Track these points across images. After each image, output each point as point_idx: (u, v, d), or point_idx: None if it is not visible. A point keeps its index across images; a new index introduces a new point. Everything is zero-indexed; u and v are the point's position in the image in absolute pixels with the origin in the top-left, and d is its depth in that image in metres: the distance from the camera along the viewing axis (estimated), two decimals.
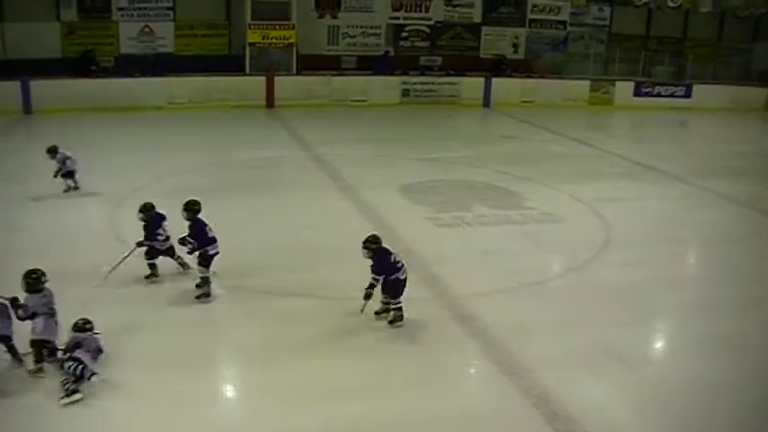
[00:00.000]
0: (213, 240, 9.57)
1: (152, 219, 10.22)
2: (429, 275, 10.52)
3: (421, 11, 29.94)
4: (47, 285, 7.66)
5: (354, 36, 29.29)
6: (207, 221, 9.64)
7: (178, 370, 7.76)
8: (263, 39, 26.42)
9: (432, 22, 30.19)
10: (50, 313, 7.62)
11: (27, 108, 23.72)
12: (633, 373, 8.15)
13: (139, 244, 10.02)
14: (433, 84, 27.39)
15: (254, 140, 20.19)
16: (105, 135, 20.44)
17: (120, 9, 26.89)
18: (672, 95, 29.32)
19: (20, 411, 6.98)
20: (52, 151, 14.27)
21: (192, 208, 9.62)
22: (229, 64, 26.53)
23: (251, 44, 26.46)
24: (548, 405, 7.32)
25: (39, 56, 25.72)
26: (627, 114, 28.50)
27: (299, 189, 15.07)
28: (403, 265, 8.97)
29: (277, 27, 26.51)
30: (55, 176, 14.19)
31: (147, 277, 10.03)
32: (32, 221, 12.49)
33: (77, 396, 7.05)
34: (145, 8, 27.13)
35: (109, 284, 9.66)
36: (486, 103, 27.30)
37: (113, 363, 7.72)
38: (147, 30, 27.29)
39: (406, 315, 8.90)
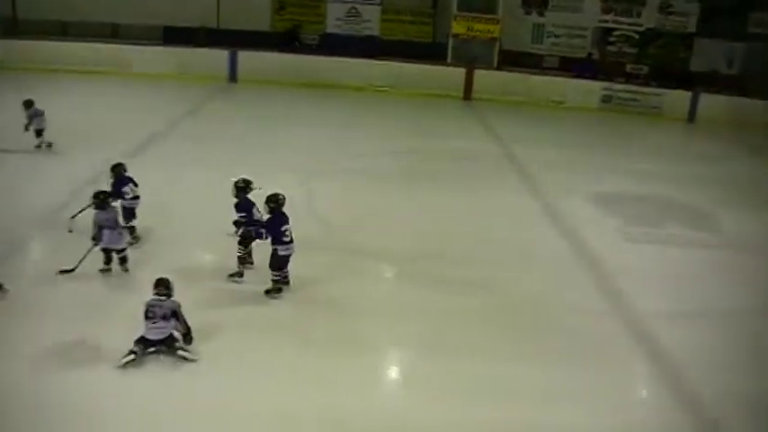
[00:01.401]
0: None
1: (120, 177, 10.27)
2: (610, 288, 10.38)
3: (632, 15, 29.17)
4: None
5: (559, 36, 29.03)
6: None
7: (349, 355, 8.05)
8: (468, 30, 26.71)
9: (642, 28, 29.35)
10: (114, 226, 9.17)
11: (233, 76, 25.32)
12: None
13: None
14: (636, 93, 26.53)
15: (449, 131, 20.55)
16: (301, 110, 21.50)
17: None
18: None
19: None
20: (28, 105, 14.85)
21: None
22: (431, 52, 27.03)
23: (455, 35, 26.81)
24: None
25: (249, 28, 27.37)
26: None
27: (488, 184, 15.23)
28: (291, 241, 8.93)
29: (482, 20, 26.71)
30: (25, 130, 14.69)
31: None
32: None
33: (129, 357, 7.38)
34: None
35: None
36: (692, 118, 26.11)
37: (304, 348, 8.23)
38: (354, 11, 28.26)
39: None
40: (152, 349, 7.55)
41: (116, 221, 9.37)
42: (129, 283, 9.20)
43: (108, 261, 9.44)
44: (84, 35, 27.14)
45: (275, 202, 8.93)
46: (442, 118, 22.44)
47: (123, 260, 9.49)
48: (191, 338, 7.74)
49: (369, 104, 23.41)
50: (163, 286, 7.63)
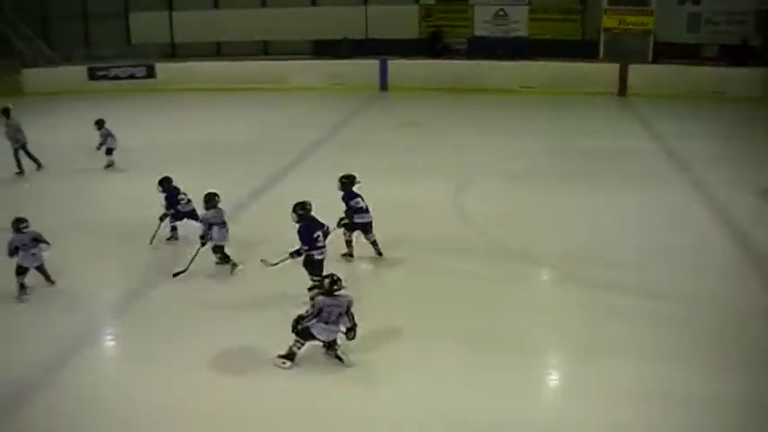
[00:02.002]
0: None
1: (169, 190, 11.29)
2: None
3: None
4: None
5: (717, 23, 27.70)
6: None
7: (510, 357, 8.07)
8: (620, 24, 26.08)
9: None
10: (222, 223, 10.15)
11: (383, 85, 25.86)
12: None
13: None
14: None
15: (604, 128, 20.15)
16: (452, 114, 21.72)
17: None
18: None
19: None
20: (100, 125, 15.77)
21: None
22: (581, 49, 26.57)
23: (606, 29, 26.25)
24: None
25: (397, 36, 27.84)
26: None
27: (648, 182, 14.75)
28: (324, 246, 8.90)
29: (635, 13, 26.02)
30: (97, 149, 15.65)
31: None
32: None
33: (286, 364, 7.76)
34: None
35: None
36: None
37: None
38: (501, 13, 28.18)
39: None
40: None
41: (224, 220, 10.25)
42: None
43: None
44: (236, 54, 28.55)
45: (303, 209, 9.04)
46: (597, 116, 22.03)
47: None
48: (354, 334, 7.79)
49: (520, 106, 23.31)
50: (340, 283, 7.62)
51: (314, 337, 7.72)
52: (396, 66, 26.12)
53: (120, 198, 14.31)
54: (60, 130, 20.67)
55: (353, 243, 10.53)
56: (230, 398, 7.33)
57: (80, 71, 28.80)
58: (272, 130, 20.02)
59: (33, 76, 28.84)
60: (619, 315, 9.02)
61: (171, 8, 30.06)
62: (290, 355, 7.77)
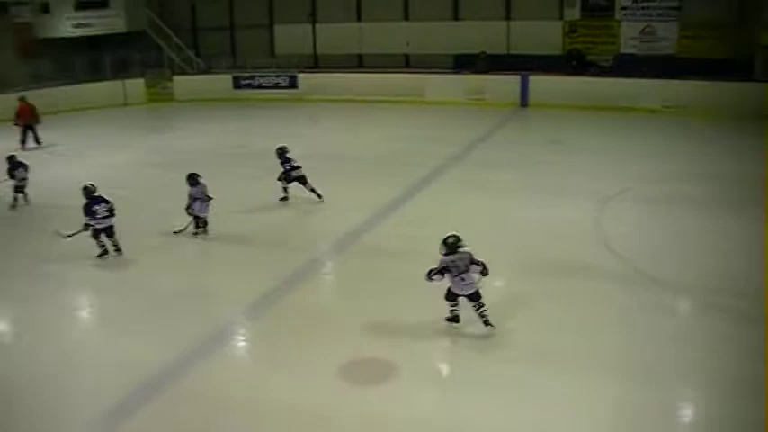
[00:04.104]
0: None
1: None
2: None
3: None
4: None
5: None
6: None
7: (627, 381, 8.24)
8: None
9: None
10: (204, 198, 12.94)
11: (524, 101, 26.01)
12: None
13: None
14: None
15: (755, 155, 19.39)
16: (594, 134, 21.63)
17: (623, 8, 27.81)
18: None
19: None
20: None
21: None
22: (734, 68, 25.74)
23: (765, 47, 25.33)
24: None
25: (539, 52, 27.88)
26: None
27: None
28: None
29: None
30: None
31: None
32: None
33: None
34: (649, 7, 27.64)
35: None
36: None
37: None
38: (649, 29, 27.77)
39: None
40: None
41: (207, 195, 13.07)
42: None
43: None
44: (377, 67, 29.35)
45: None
46: (747, 140, 21.31)
47: None
48: (487, 271, 9.10)
49: (664, 126, 22.77)
50: (454, 240, 9.05)
51: (456, 295, 9.17)
52: (537, 82, 26.18)
53: (266, 204, 15.22)
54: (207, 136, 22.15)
55: None
56: (356, 404, 7.86)
57: (226, 80, 30.47)
58: (410, 144, 20.58)
59: (183, 84, 30.78)
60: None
61: (314, 21, 31.19)
62: (453, 318, 9.40)
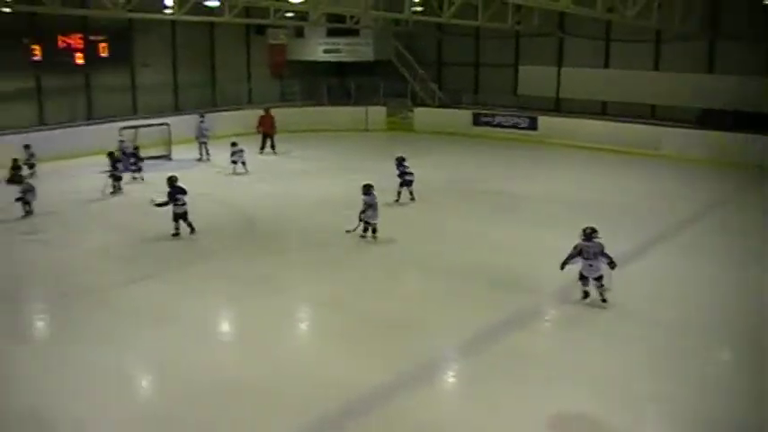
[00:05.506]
0: None
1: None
2: None
3: None
4: None
5: None
6: None
7: None
8: None
9: None
10: (375, 207, 15.73)
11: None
12: None
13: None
14: None
15: None
16: None
17: None
18: None
19: None
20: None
21: None
22: None
23: None
24: None
25: None
26: None
27: None
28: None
29: None
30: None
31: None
32: None
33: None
34: None
35: None
36: None
37: None
38: None
39: None
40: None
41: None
42: None
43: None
44: (621, 115, 29.22)
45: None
46: None
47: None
48: (614, 264, 11.88)
49: None
50: (591, 231, 11.90)
51: (585, 277, 12.09)
52: None
53: (495, 241, 16.01)
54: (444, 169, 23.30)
55: None
56: None
57: (466, 115, 31.79)
58: (643, 198, 20.38)
59: (423, 115, 32.47)
60: None
61: (560, 64, 31.56)
62: (584, 295, 12.29)
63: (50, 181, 21.07)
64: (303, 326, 12.67)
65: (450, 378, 10.50)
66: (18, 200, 17.78)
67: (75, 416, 9.08)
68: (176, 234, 16.14)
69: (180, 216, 16.06)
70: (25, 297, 13.51)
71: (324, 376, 9.96)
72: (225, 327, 12.63)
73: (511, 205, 18.83)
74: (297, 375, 10.06)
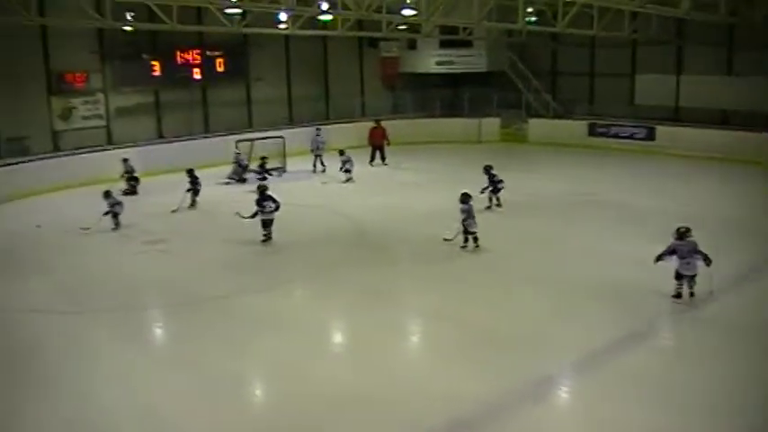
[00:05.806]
0: None
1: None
2: None
3: None
4: None
5: None
6: None
7: None
8: None
9: None
10: (473, 215, 16.00)
11: None
12: None
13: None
14: None
15: None
16: None
17: None
18: None
19: None
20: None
21: None
22: None
23: None
24: None
25: None
26: None
27: None
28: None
29: None
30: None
31: None
32: None
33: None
34: None
35: None
36: None
37: None
38: None
39: None
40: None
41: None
42: None
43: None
44: (742, 125, 27.94)
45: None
46: None
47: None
48: (710, 261, 12.18)
49: None
50: (685, 230, 12.36)
51: (681, 275, 12.38)
52: None
53: (611, 253, 15.72)
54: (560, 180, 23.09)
55: None
56: None
57: (581, 126, 31.23)
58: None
59: (538, 126, 32.14)
60: None
61: (679, 72, 30.59)
62: (677, 295, 12.62)
63: (155, 194, 22.26)
64: (414, 338, 12.66)
65: (562, 396, 10.17)
66: (107, 213, 18.48)
67: (187, 416, 9.42)
68: (265, 239, 17.05)
69: (267, 223, 16.96)
70: (147, 304, 14.12)
71: (434, 389, 9.92)
72: (338, 337, 12.80)
73: (630, 218, 18.34)
74: (408, 387, 10.05)
